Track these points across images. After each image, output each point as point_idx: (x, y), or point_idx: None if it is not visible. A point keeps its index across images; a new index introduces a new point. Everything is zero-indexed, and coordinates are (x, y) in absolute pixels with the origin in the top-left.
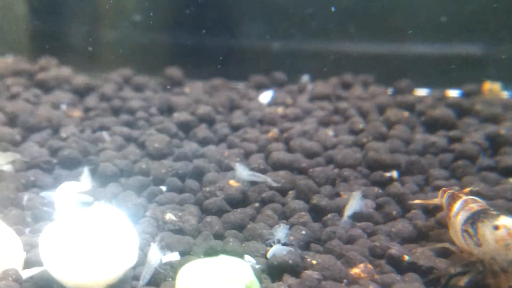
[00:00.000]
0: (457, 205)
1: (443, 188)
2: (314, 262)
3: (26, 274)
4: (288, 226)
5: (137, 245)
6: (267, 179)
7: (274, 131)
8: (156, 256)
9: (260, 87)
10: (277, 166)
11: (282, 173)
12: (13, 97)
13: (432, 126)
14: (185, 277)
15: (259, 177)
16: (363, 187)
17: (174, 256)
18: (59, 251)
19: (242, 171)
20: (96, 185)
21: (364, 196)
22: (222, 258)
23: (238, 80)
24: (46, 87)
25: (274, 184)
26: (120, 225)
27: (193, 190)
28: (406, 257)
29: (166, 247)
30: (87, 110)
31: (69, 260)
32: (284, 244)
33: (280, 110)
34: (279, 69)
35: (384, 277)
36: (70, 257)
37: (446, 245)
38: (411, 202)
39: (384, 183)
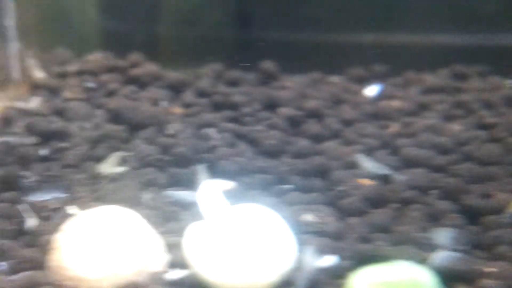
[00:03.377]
0: None
1: None
2: (490, 270)
3: (172, 277)
4: (452, 230)
5: (294, 246)
6: (395, 173)
7: (395, 126)
8: (311, 261)
9: (360, 81)
10: (410, 163)
11: (419, 170)
12: (111, 93)
13: None
14: (360, 286)
15: (386, 171)
16: None
17: (329, 261)
18: (210, 252)
19: (368, 164)
20: None
21: None
22: (400, 264)
23: (332, 74)
24: (140, 83)
25: (402, 178)
26: (274, 225)
27: (321, 189)
28: None
29: (318, 251)
30: (186, 106)
31: (223, 263)
32: (449, 250)
33: (395, 103)
34: (375, 62)
35: None
36: (224, 259)
37: None
38: None
39: None
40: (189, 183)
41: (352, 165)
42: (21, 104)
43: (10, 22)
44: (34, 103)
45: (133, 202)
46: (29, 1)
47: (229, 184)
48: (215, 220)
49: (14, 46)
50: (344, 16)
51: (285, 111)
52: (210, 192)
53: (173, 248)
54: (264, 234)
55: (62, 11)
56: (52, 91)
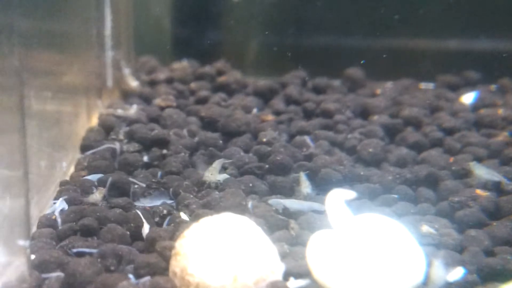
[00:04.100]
0: None
1: None
2: None
3: (293, 286)
4: None
5: (423, 259)
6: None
7: (504, 134)
8: (441, 274)
9: (453, 87)
10: None
11: None
12: (201, 101)
13: None
14: None
15: (501, 181)
16: None
17: (457, 275)
18: (338, 262)
19: (481, 174)
20: (316, 192)
21: None
22: None
23: (420, 80)
24: (228, 91)
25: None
26: (402, 236)
27: (429, 199)
28: None
29: (444, 264)
30: (277, 113)
31: (352, 274)
32: None
33: (500, 111)
34: (462, 68)
35: None
36: (353, 271)
37: None
38: None
39: None
40: (290, 191)
41: (462, 175)
42: (120, 112)
43: (107, 31)
44: (132, 110)
45: (239, 210)
46: (121, 12)
47: (351, 194)
48: (342, 229)
49: (109, 55)
50: (428, 22)
51: (380, 118)
52: (337, 201)
53: (283, 256)
54: (394, 246)
55: (142, 20)
56: (144, 98)
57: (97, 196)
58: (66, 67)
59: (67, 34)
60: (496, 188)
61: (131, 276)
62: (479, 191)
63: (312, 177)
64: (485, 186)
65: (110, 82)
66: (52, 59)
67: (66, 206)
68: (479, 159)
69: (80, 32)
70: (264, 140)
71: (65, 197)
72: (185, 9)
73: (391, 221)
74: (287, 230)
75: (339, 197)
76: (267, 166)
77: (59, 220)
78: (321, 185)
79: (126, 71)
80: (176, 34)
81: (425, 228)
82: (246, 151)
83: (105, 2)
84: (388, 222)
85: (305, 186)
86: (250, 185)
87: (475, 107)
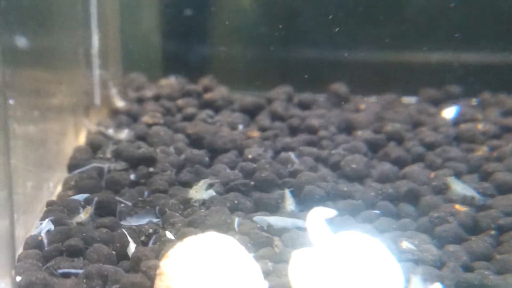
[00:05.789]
0: None
1: None
2: None
3: None
4: None
5: (401, 276)
6: (488, 199)
7: (484, 149)
8: None
9: (435, 102)
10: (503, 189)
11: None
12: (188, 118)
13: None
14: None
15: (479, 196)
16: None
17: None
18: (318, 280)
19: (459, 190)
20: (300, 209)
21: None
22: None
23: (403, 95)
24: (214, 107)
25: (496, 204)
26: (381, 253)
27: (410, 215)
28: None
29: (422, 280)
30: (262, 129)
31: None
32: None
33: (479, 126)
34: (445, 83)
35: None
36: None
37: None
38: None
39: None
40: (275, 208)
41: (442, 190)
42: (110, 132)
43: (95, 50)
44: (123, 135)
45: (225, 228)
46: (109, 30)
47: (332, 212)
48: (322, 247)
49: (96, 74)
50: (411, 36)
51: (363, 134)
52: (317, 219)
53: (267, 274)
54: (372, 263)
55: (129, 37)
56: (131, 116)
57: (83, 216)
58: (53, 86)
59: (54, 52)
60: (476, 204)
61: None
62: (458, 206)
63: (297, 193)
64: (463, 201)
65: (98, 100)
66: (39, 78)
67: (52, 227)
68: (459, 174)
69: (67, 50)
70: (250, 156)
71: (52, 217)
72: (172, 26)
73: (370, 239)
74: (271, 248)
75: (319, 216)
76: (252, 183)
77: (45, 241)
78: (305, 202)
79: (113, 91)
80: (164, 51)
81: (405, 244)
82: (232, 168)
83: (92, 21)
84: (367, 239)
85: (289, 203)
86: (236, 202)
87: (456, 121)
